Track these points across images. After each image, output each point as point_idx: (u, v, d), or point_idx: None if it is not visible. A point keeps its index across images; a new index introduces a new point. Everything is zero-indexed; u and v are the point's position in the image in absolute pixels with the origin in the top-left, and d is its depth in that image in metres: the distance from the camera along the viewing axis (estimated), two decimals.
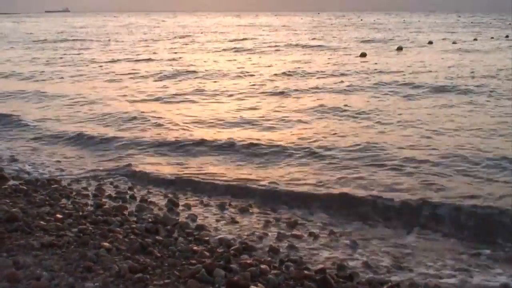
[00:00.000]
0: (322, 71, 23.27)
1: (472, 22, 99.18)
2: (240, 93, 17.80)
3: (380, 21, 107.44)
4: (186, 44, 43.51)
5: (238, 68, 25.35)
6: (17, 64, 27.92)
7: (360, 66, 25.69)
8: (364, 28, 75.23)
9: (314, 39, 49.31)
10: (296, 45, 40.36)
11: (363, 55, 32.29)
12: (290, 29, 70.45)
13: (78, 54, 34.65)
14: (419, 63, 26.23)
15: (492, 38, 48.73)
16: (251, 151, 10.34)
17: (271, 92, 18.00)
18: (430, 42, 40.17)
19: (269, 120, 13.27)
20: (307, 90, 18.30)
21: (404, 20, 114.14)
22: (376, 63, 26.64)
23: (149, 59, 29.86)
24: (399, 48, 36.82)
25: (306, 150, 10.30)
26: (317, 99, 16.47)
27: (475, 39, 46.25)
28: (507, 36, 49.79)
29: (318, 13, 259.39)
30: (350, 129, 12.28)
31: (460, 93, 17.37)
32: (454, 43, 42.33)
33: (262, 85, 19.57)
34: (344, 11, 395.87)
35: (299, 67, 24.96)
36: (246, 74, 23.00)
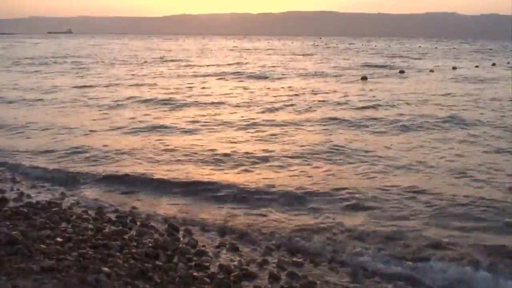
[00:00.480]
0: (321, 101, 22.22)
1: (473, 49, 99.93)
2: (235, 125, 16.67)
3: (381, 47, 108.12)
4: (185, 67, 43.57)
5: (235, 96, 24.29)
6: None
7: (361, 94, 25.23)
8: (365, 53, 75.66)
9: (317, 63, 49.73)
10: (297, 70, 40.42)
11: (364, 78, 32.73)
12: (290, 54, 70.72)
13: (81, 77, 34.59)
14: (419, 92, 25.88)
15: (494, 65, 49.17)
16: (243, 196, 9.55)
17: (267, 124, 16.80)
18: (432, 71, 40.28)
19: (265, 155, 12.43)
20: (303, 123, 17.03)
21: (406, 46, 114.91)
22: (376, 90, 26.42)
23: (143, 85, 28.99)
24: (401, 72, 37.16)
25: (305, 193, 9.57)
26: (313, 134, 15.40)
27: (477, 66, 46.59)
28: (508, 63, 50.21)
29: (320, 38, 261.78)
30: (351, 171, 11.26)
31: (463, 127, 16.39)
32: (454, 68, 42.68)
33: (258, 116, 18.41)
34: (345, 35, 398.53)
35: (296, 95, 24.42)
36: (242, 103, 21.76)
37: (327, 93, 25.65)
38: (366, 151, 12.93)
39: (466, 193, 9.51)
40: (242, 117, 18.12)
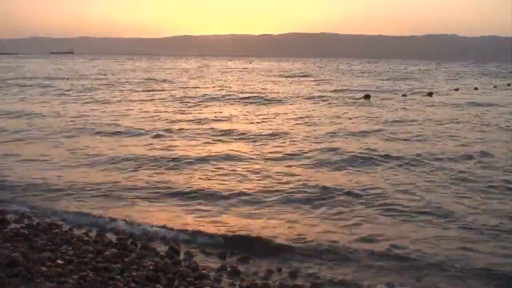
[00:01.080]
0: (326, 131, 20.36)
1: (474, 70, 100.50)
2: (234, 158, 15.08)
3: (382, 69, 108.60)
4: (185, 89, 43.53)
5: (237, 122, 23.11)
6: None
7: (366, 117, 24.62)
8: (366, 74, 75.90)
9: (319, 84, 49.89)
10: (301, 92, 40.27)
11: (367, 96, 33.06)
12: (292, 76, 70.95)
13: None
14: (422, 118, 24.58)
15: (494, 87, 49.50)
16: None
17: (265, 158, 15.18)
18: (430, 94, 40.27)
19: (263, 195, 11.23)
20: (307, 158, 15.24)
21: (406, 68, 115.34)
22: (380, 116, 25.21)
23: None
24: (404, 95, 37.28)
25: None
26: (318, 171, 13.67)
27: (476, 88, 46.83)
28: (509, 85, 50.53)
29: (321, 59, 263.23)
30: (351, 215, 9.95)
31: (471, 161, 14.80)
32: (456, 89, 42.83)
33: (258, 149, 16.63)
34: (346, 57, 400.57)
35: (300, 121, 23.33)
36: (245, 134, 19.51)
37: (330, 118, 24.67)
38: (369, 192, 11.48)
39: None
40: (243, 150, 16.44)
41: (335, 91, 42.38)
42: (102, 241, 8.18)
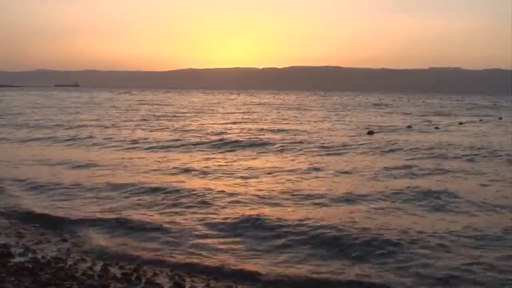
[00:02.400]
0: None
1: (478, 103, 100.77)
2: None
3: (386, 102, 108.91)
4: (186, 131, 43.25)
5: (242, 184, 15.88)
6: None
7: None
8: (373, 109, 75.72)
9: (326, 122, 49.64)
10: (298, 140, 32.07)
11: (370, 133, 32.84)
12: (300, 110, 70.83)
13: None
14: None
15: (500, 119, 49.67)
16: None
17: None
18: (437, 128, 40.24)
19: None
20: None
21: (410, 101, 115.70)
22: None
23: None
24: (409, 127, 37.23)
25: None
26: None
27: (481, 120, 46.91)
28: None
29: (324, 93, 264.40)
30: None
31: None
32: (460, 123, 42.81)
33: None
34: (349, 90, 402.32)
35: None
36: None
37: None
38: None
39: None
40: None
41: (344, 130, 40.65)
42: (107, 275, 8.12)
